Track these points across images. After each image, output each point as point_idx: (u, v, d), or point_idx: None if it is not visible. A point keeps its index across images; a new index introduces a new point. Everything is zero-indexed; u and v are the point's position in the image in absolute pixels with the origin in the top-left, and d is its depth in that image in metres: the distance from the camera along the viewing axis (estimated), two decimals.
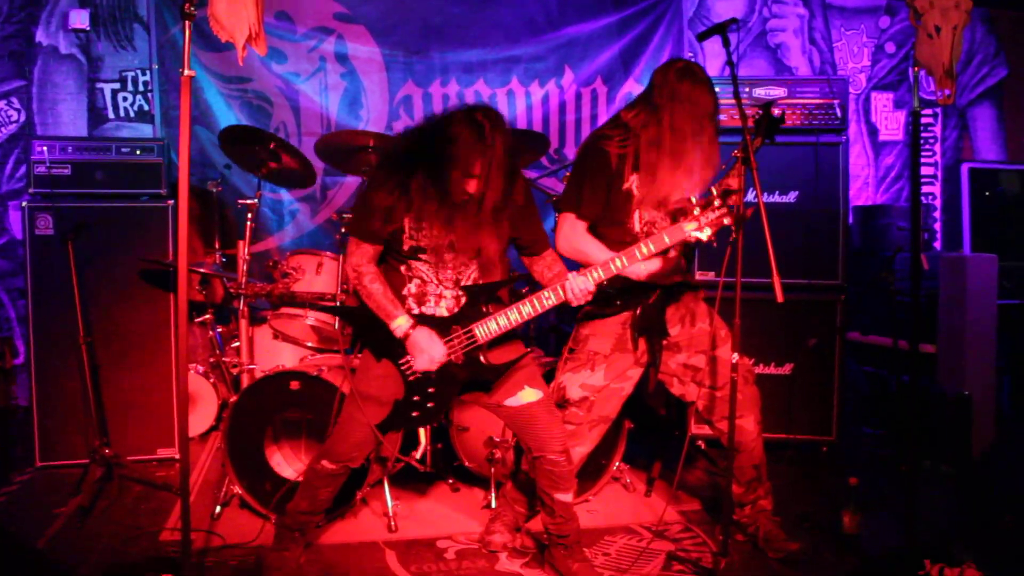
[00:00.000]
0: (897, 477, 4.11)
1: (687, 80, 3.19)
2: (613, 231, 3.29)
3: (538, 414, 3.06)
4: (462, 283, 3.00)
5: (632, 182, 3.26)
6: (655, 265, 3.18)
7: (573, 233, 3.30)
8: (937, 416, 4.37)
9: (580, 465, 3.46)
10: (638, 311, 3.27)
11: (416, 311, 2.99)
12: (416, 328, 2.91)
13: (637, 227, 3.29)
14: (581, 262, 3.30)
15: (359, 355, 3.16)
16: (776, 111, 3.33)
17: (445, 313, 3.00)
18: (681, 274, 3.34)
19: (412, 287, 3.01)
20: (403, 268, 3.02)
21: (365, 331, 3.04)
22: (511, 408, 3.07)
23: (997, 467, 4.01)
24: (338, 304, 4.07)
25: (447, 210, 2.86)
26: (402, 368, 2.97)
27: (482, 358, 2.98)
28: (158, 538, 3.56)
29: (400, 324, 2.91)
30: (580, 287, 2.92)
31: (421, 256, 2.97)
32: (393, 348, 2.97)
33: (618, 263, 2.95)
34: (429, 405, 2.98)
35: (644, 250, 2.95)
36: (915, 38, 3.40)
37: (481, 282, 3.02)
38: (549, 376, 3.60)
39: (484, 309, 2.95)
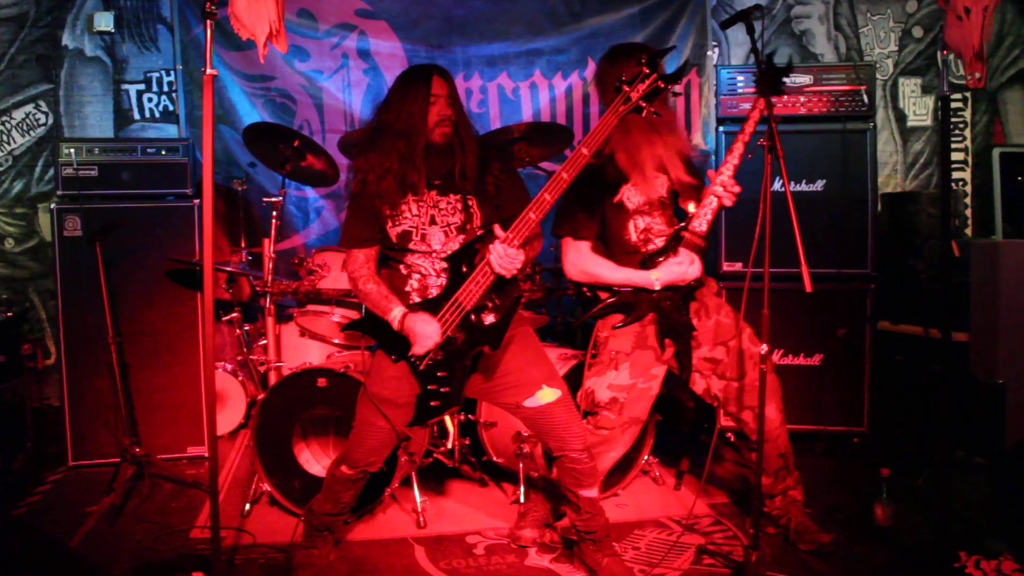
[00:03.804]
0: (930, 468, 4.06)
1: (614, 62, 3.20)
2: (614, 244, 3.31)
3: (557, 414, 3.02)
4: None
5: (622, 194, 3.26)
6: (672, 274, 3.19)
7: (578, 256, 3.29)
8: (970, 406, 4.30)
9: (609, 468, 3.46)
10: (659, 316, 3.26)
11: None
12: (408, 315, 2.90)
13: (634, 237, 3.30)
14: (592, 283, 3.30)
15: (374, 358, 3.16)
16: (779, 59, 3.23)
17: None
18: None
19: (414, 283, 3.02)
20: (402, 268, 3.03)
21: (378, 336, 3.03)
22: (530, 409, 3.04)
23: None
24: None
25: (421, 153, 2.92)
26: (412, 361, 2.94)
27: (472, 319, 2.91)
28: (189, 536, 3.59)
29: (395, 315, 2.91)
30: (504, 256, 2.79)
31: (410, 246, 2.98)
32: (401, 346, 2.94)
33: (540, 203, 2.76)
34: (444, 391, 2.93)
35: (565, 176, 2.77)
36: (944, 21, 3.35)
37: None
38: (578, 370, 3.58)
39: (464, 271, 2.89)
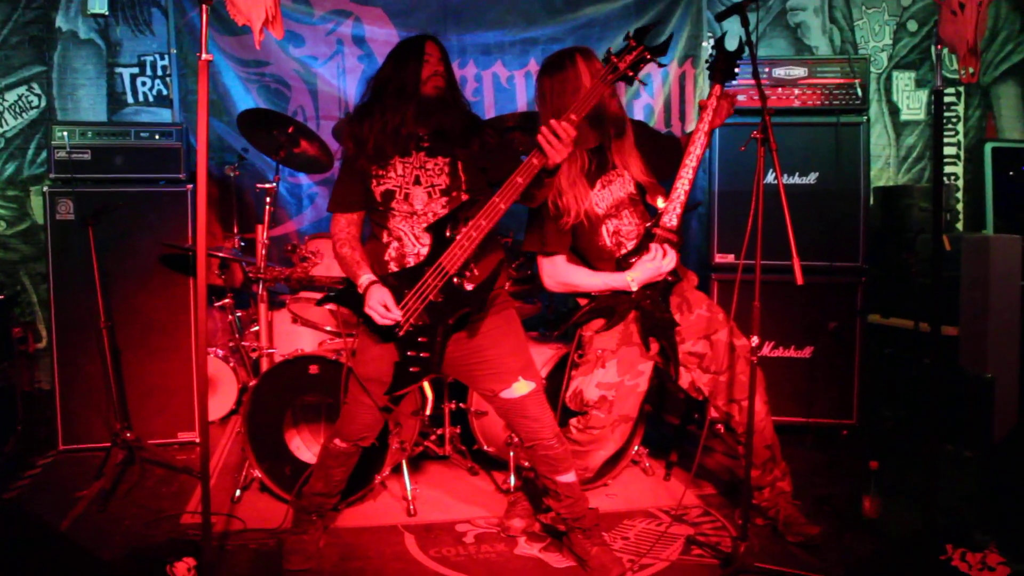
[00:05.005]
0: (918, 461, 4.08)
1: (544, 76, 3.25)
2: (590, 252, 3.32)
3: (529, 406, 3.04)
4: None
5: (589, 201, 3.26)
6: (647, 272, 3.19)
7: (554, 269, 3.30)
8: (959, 399, 4.32)
9: (599, 466, 3.48)
10: (641, 315, 3.26)
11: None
12: (372, 285, 2.91)
13: (608, 242, 3.30)
14: (571, 292, 3.30)
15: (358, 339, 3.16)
16: (730, 43, 3.23)
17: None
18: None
19: (392, 251, 3.02)
20: (384, 234, 3.04)
21: (355, 307, 3.00)
22: (505, 400, 3.05)
23: (1019, 451, 3.97)
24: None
25: (414, 108, 2.97)
26: (392, 329, 2.93)
27: (456, 282, 2.91)
28: (179, 521, 3.60)
29: (362, 282, 2.93)
30: (552, 133, 2.73)
31: (393, 205, 2.99)
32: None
33: (560, 129, 2.73)
34: (424, 356, 2.93)
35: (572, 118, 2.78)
36: (939, 15, 3.35)
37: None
38: (562, 364, 3.59)
39: (448, 235, 2.90)
